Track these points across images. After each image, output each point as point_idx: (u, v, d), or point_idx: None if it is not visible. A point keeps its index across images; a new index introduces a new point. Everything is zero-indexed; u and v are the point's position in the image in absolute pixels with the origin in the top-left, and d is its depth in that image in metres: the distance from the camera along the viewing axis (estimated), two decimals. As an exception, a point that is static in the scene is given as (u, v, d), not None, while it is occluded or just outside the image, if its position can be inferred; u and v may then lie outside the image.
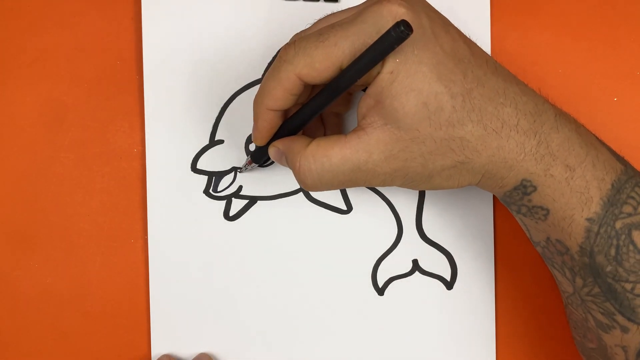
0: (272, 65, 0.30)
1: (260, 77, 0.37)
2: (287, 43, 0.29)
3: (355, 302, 0.37)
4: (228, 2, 0.37)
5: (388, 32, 0.25)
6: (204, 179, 0.37)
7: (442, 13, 0.37)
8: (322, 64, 0.28)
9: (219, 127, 0.37)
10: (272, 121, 0.31)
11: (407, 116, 0.27)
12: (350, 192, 0.37)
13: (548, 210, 0.29)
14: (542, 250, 0.31)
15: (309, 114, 0.30)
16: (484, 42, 0.37)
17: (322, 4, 0.37)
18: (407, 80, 0.27)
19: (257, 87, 0.37)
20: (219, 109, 0.37)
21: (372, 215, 0.37)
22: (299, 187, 0.37)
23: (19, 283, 0.37)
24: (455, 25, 0.37)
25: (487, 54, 0.30)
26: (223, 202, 0.37)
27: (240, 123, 0.37)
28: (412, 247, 0.37)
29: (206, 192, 0.37)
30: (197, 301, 0.37)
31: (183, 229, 0.37)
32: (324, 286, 0.37)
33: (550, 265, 0.31)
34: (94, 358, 0.37)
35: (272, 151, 0.32)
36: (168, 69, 0.37)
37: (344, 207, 0.37)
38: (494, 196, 0.37)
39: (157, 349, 0.37)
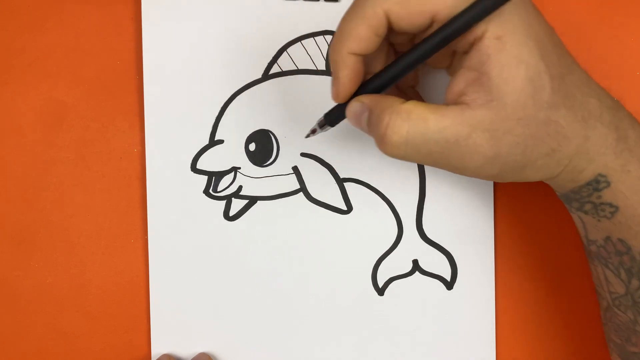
0: (352, 5, 0.27)
1: (260, 76, 0.37)
2: None
3: (355, 302, 0.37)
4: (228, 2, 0.37)
5: None
6: (203, 179, 0.37)
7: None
8: (416, 6, 0.25)
9: (218, 127, 0.37)
10: (355, 68, 0.27)
11: (516, 91, 0.25)
12: (350, 192, 0.37)
13: (617, 208, 0.28)
14: (596, 250, 0.30)
15: (403, 68, 0.27)
16: (484, 42, 0.37)
17: (322, 3, 0.37)
18: (516, 50, 0.25)
19: (257, 87, 0.37)
20: (219, 109, 0.37)
21: (372, 215, 0.37)
22: (299, 187, 0.37)
23: (19, 283, 0.37)
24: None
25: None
26: (223, 202, 0.37)
27: (240, 123, 0.37)
28: (412, 247, 0.37)
29: (206, 192, 0.37)
30: (197, 301, 0.37)
31: (183, 229, 0.37)
32: (324, 286, 0.37)
33: (603, 264, 0.30)
34: (94, 358, 0.37)
35: (354, 106, 0.28)
36: (168, 69, 0.37)
37: (344, 207, 0.37)
38: (494, 195, 0.37)
39: (157, 349, 0.37)
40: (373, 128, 0.27)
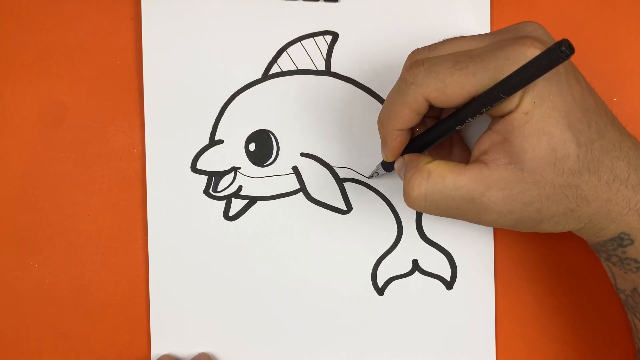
0: (397, 86, 0.30)
1: (260, 76, 0.37)
2: (413, 63, 0.29)
3: (355, 302, 0.37)
4: (228, 2, 0.37)
5: (551, 49, 0.23)
6: (203, 179, 0.37)
7: (443, 14, 0.37)
8: (455, 91, 0.27)
9: (218, 127, 0.37)
10: (401, 139, 0.31)
11: (535, 159, 0.27)
12: (350, 192, 0.37)
13: None
14: (625, 298, 0.32)
15: (440, 133, 0.31)
16: (484, 42, 0.37)
17: (322, 3, 0.37)
18: (540, 123, 0.27)
19: (257, 87, 0.37)
20: (219, 109, 0.37)
21: (372, 215, 0.37)
22: (299, 187, 0.37)
23: (19, 283, 0.37)
24: (455, 25, 0.37)
25: (605, 104, 0.30)
26: (223, 202, 0.37)
27: (240, 123, 0.37)
28: (412, 247, 0.37)
29: (206, 192, 0.37)
30: (197, 301, 0.37)
31: (183, 229, 0.37)
32: (324, 286, 0.37)
33: (632, 313, 0.32)
34: (94, 358, 0.37)
35: (397, 163, 0.32)
36: (168, 69, 0.37)
37: (344, 207, 0.37)
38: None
39: (157, 349, 0.37)
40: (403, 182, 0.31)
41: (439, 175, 0.29)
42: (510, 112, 0.27)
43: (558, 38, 0.29)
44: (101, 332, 0.37)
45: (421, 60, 0.29)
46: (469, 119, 0.28)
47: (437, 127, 0.31)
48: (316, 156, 0.37)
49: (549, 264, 0.38)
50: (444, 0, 0.37)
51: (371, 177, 0.37)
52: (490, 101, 0.27)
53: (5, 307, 0.37)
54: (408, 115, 0.29)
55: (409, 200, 0.30)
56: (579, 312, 0.37)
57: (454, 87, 0.27)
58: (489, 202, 0.28)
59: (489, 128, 0.29)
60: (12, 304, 0.37)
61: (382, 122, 0.31)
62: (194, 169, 0.37)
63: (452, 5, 0.37)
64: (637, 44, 0.37)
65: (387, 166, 0.35)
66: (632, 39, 0.37)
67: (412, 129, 0.32)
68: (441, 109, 0.33)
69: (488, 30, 0.37)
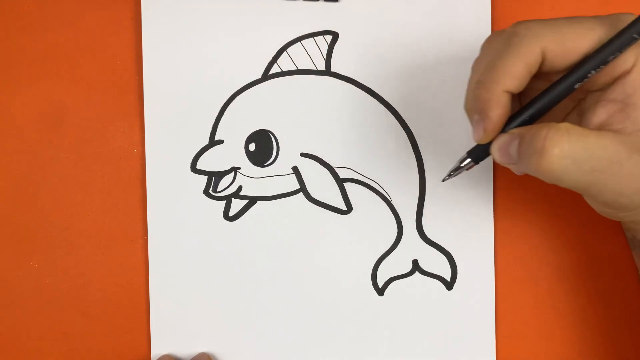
0: (505, 41, 0.26)
1: (260, 77, 0.37)
2: (522, 21, 0.26)
3: (355, 302, 0.37)
4: (228, 2, 0.37)
5: None
6: (203, 179, 0.37)
7: (444, 14, 0.37)
8: (574, 42, 0.25)
9: (218, 127, 0.37)
10: (508, 107, 0.26)
11: None
12: (350, 192, 0.37)
13: None
14: None
15: (558, 95, 0.26)
16: (484, 42, 0.37)
17: (322, 3, 0.37)
18: None
19: (257, 87, 0.37)
20: (219, 109, 0.37)
21: (372, 215, 0.37)
22: (298, 187, 0.37)
23: (19, 283, 0.37)
24: (456, 25, 0.37)
25: None
26: (223, 202, 0.37)
27: (240, 123, 0.37)
28: (412, 247, 0.37)
29: (206, 192, 0.37)
30: (197, 301, 0.37)
31: (183, 229, 0.37)
32: (324, 286, 0.37)
33: None
34: (94, 358, 0.37)
35: (504, 138, 0.27)
36: (168, 68, 0.37)
37: (344, 207, 0.37)
38: (494, 195, 0.37)
39: (157, 349, 0.37)
40: (525, 149, 0.26)
41: (580, 133, 0.25)
42: (623, 74, 0.25)
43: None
44: (101, 332, 0.37)
45: (529, 20, 0.26)
46: (592, 71, 0.25)
47: (553, 88, 0.26)
48: (316, 156, 0.37)
49: (549, 264, 0.38)
50: (445, 1, 0.37)
51: (445, 179, 0.32)
52: (620, 46, 0.25)
53: (5, 307, 0.37)
54: (522, 72, 0.26)
55: (544, 160, 0.25)
56: (579, 313, 0.37)
57: (574, 39, 0.25)
58: (638, 165, 0.25)
59: (600, 100, 0.26)
60: (12, 304, 0.37)
61: (487, 84, 0.26)
62: (193, 169, 0.37)
63: (453, 5, 0.37)
64: (637, 44, 0.37)
65: (480, 152, 0.29)
66: (632, 39, 0.37)
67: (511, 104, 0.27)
68: (520, 95, 0.29)
69: (488, 30, 0.37)
